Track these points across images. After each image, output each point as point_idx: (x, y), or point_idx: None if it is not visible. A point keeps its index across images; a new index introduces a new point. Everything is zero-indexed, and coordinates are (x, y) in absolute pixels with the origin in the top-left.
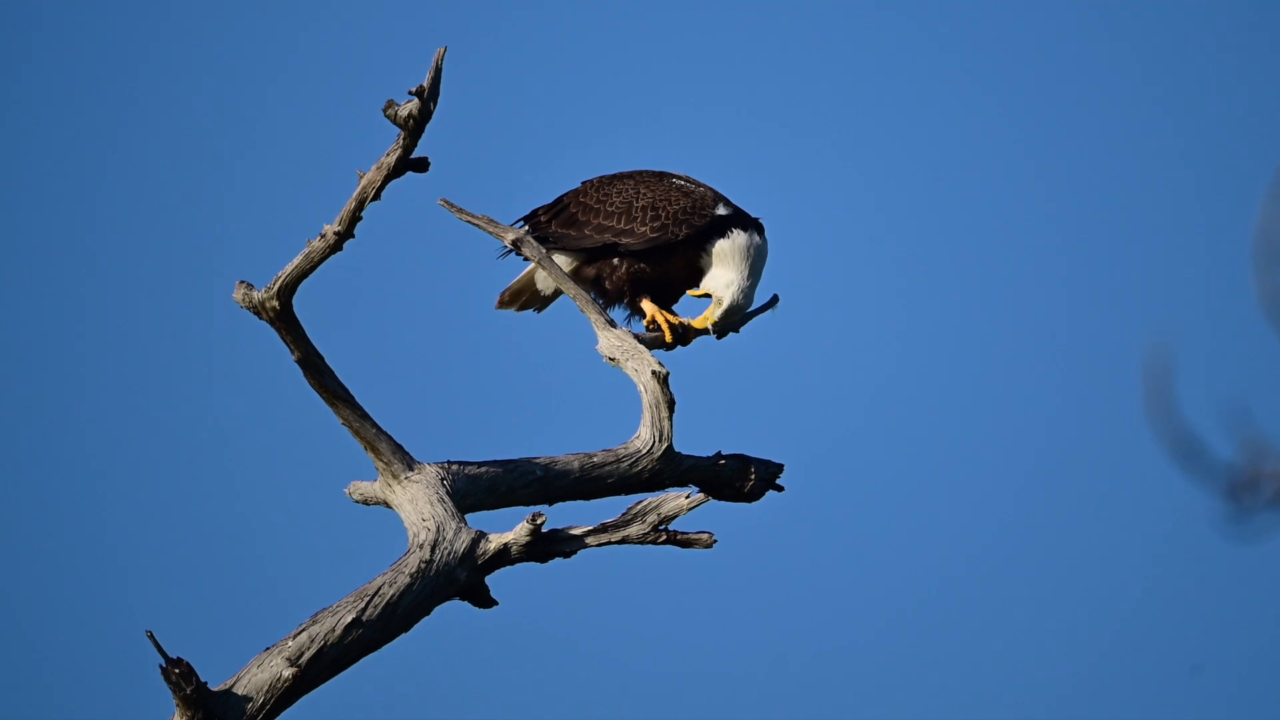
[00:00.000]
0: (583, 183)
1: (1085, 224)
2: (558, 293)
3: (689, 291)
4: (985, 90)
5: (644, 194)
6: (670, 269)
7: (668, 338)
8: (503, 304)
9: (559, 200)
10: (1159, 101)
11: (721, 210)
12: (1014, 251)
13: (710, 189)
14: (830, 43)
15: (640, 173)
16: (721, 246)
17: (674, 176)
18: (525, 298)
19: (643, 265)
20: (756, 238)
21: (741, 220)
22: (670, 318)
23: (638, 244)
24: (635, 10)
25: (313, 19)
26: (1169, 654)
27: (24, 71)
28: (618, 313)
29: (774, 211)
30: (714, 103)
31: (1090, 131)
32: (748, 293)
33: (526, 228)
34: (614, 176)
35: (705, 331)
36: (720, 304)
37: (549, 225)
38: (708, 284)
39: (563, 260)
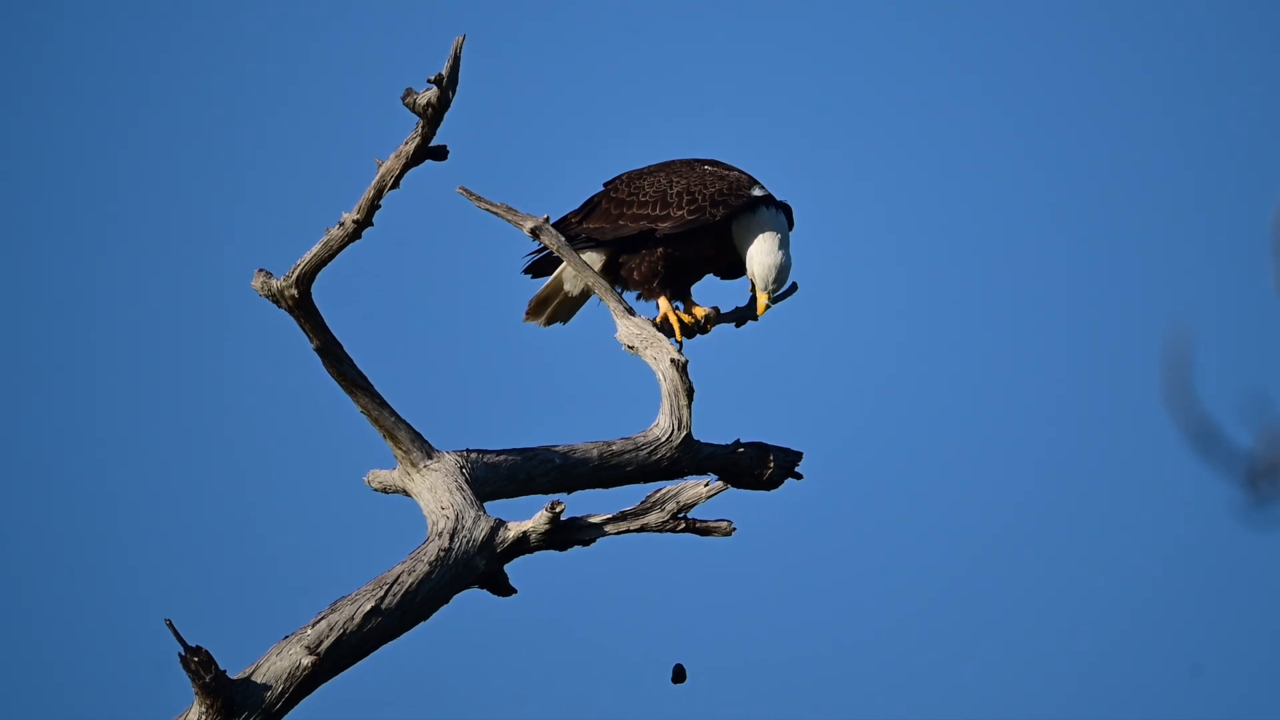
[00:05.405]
0: (605, 183)
1: (1106, 211)
2: (584, 298)
3: (759, 298)
4: (1025, 64)
5: (677, 182)
6: (701, 250)
7: (678, 337)
8: (530, 315)
9: (587, 202)
10: (1174, 86)
11: (757, 192)
12: (1034, 239)
13: (744, 172)
14: (848, 41)
15: (669, 163)
16: (762, 223)
17: (704, 163)
18: (552, 307)
19: (674, 250)
20: (779, 215)
21: (773, 201)
22: (684, 317)
23: (674, 227)
24: (658, 5)
25: (334, 8)
26: (1190, 644)
27: (47, 64)
28: (637, 300)
29: (793, 196)
30: (736, 97)
31: (1112, 120)
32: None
33: (546, 216)
34: (641, 170)
35: (759, 310)
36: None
37: (579, 224)
38: (753, 269)
39: (587, 259)
